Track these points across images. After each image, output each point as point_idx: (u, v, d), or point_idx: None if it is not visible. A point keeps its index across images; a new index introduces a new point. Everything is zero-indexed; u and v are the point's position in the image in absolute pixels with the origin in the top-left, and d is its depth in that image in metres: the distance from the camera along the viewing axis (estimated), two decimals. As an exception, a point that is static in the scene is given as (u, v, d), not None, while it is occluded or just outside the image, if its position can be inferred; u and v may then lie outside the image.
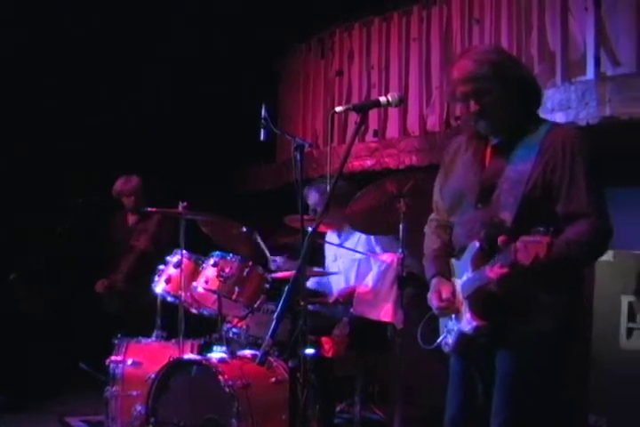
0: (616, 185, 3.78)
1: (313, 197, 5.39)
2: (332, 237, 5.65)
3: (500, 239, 2.77)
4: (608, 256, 4.49)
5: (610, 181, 3.09)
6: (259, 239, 5.39)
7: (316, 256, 5.74)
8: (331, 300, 5.33)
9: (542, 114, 3.23)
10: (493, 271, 2.84)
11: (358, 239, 5.43)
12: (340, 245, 5.46)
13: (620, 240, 3.15)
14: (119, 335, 5.33)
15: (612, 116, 4.56)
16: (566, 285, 3.00)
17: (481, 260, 2.98)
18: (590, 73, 4.79)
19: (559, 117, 4.72)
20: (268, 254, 5.48)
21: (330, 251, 5.69)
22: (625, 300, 4.50)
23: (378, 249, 5.36)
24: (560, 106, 4.82)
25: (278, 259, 5.48)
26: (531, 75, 3.26)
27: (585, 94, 4.69)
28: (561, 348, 3.02)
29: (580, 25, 4.94)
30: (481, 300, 3.00)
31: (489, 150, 3.16)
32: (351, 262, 5.45)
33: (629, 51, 4.67)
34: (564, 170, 2.96)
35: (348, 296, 5.27)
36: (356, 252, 5.32)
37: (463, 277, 3.09)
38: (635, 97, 4.42)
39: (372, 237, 5.36)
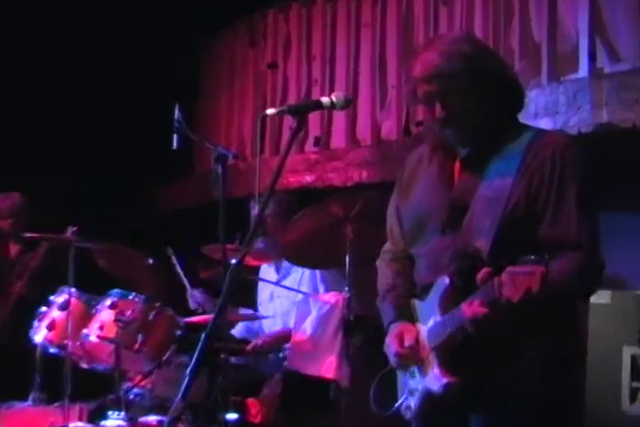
0: (611, 208, 3.80)
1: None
2: (268, 271, 5.63)
3: (482, 273, 2.71)
4: (605, 298, 4.48)
5: (604, 202, 3.10)
6: (175, 262, 5.35)
7: (247, 294, 5.69)
8: (250, 346, 5.26)
9: (524, 120, 3.23)
10: (472, 309, 2.82)
11: (302, 276, 5.42)
12: (278, 283, 5.41)
13: (618, 278, 3.15)
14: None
15: (610, 122, 4.60)
16: (560, 321, 2.99)
17: (452, 300, 2.95)
18: (583, 70, 4.84)
19: (544, 124, 4.76)
20: (187, 286, 5.43)
21: (266, 288, 5.66)
22: (627, 352, 4.52)
23: (322, 289, 5.34)
24: (546, 110, 4.87)
25: (197, 293, 5.43)
26: (511, 71, 3.28)
27: (576, 96, 4.74)
28: (558, 380, 2.99)
29: (572, 10, 5.00)
30: (452, 350, 2.97)
31: (458, 163, 3.16)
32: (291, 305, 5.41)
33: (631, 42, 4.74)
34: (551, 186, 2.96)
35: (278, 342, 5.24)
36: (298, 292, 5.28)
37: (429, 323, 3.05)
38: (637, 99, 4.46)
39: (317, 272, 5.33)
